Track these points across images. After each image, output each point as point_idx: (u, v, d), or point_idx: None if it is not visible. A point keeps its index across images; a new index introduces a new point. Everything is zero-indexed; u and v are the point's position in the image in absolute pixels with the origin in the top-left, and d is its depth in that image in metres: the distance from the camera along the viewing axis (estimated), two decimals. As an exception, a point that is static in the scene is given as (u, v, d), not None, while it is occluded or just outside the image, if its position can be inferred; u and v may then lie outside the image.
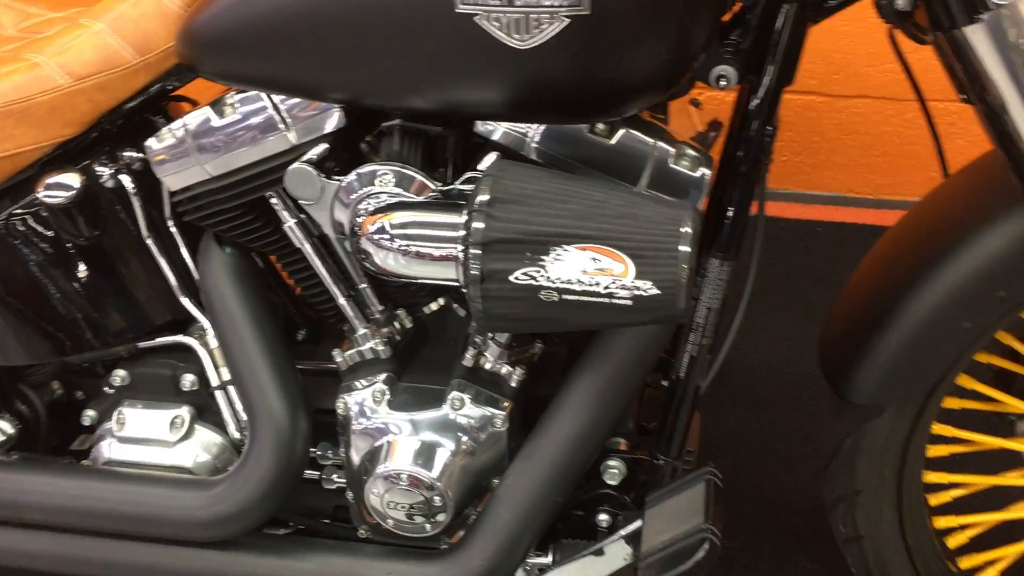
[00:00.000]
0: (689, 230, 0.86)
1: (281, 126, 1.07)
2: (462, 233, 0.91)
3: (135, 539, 1.24)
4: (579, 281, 0.86)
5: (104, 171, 1.18)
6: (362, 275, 1.18)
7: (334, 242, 1.16)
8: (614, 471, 1.22)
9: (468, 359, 1.17)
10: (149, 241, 1.22)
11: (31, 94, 1.11)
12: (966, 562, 1.32)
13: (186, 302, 1.25)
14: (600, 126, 1.00)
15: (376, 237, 0.98)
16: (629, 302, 0.86)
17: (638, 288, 0.85)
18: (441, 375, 1.19)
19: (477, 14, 0.85)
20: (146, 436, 1.27)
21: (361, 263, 1.02)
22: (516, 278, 0.87)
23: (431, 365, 1.22)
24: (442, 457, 1.15)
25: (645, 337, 1.10)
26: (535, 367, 1.19)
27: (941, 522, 1.30)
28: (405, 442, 1.16)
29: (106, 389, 1.33)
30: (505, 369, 1.16)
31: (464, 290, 0.94)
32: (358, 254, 1.01)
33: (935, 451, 1.25)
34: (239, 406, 1.25)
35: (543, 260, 0.86)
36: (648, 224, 0.86)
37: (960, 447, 1.26)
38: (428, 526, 1.17)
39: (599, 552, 1.17)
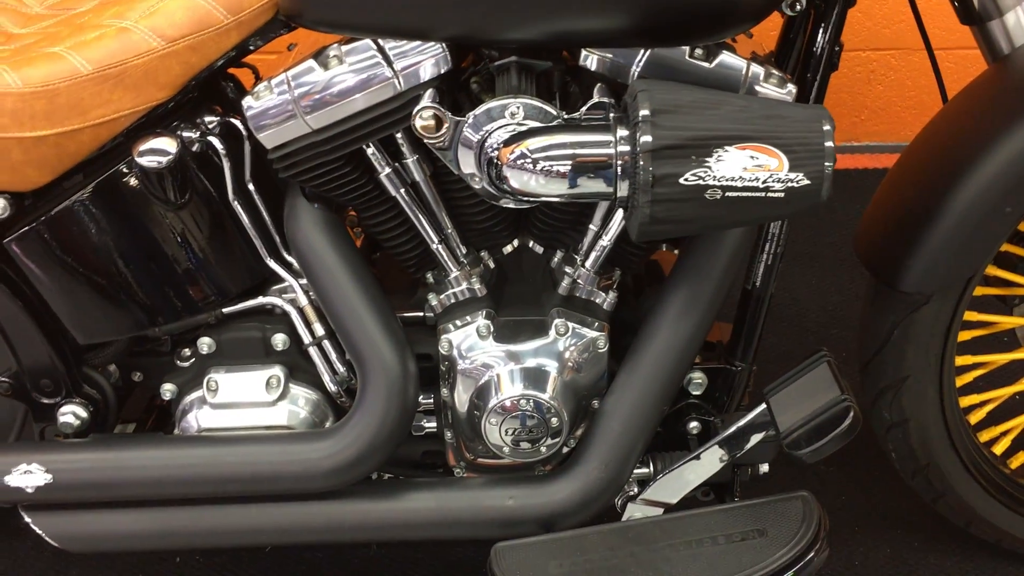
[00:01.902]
0: (830, 127, 0.97)
1: (389, 73, 1.11)
2: (624, 148, 0.99)
3: (240, 501, 1.25)
4: (740, 178, 0.95)
5: (192, 135, 1.18)
6: (448, 220, 1.23)
7: (424, 189, 1.21)
8: (698, 382, 1.31)
9: (563, 288, 1.24)
10: (236, 204, 1.22)
11: (125, 58, 1.10)
12: (985, 435, 1.49)
13: (272, 263, 1.26)
14: (698, 51, 1.09)
15: (519, 162, 1.04)
16: (781, 194, 0.96)
17: (791, 180, 0.95)
18: (533, 308, 1.26)
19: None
20: (242, 399, 1.27)
21: (498, 189, 1.08)
22: (685, 180, 0.95)
23: (519, 300, 1.28)
24: (554, 380, 1.22)
25: (732, 248, 1.20)
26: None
27: (965, 401, 1.46)
28: (518, 371, 1.22)
29: (179, 362, 1.32)
30: (599, 296, 1.24)
31: (620, 202, 1.02)
32: (497, 181, 1.07)
33: (963, 335, 1.41)
34: (335, 359, 1.28)
35: (708, 161, 0.95)
36: (793, 123, 0.96)
37: (982, 331, 1.43)
38: (544, 449, 1.24)
39: (697, 458, 1.26)
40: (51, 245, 1.18)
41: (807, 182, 0.96)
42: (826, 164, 0.97)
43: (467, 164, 1.10)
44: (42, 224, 1.17)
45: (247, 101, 1.15)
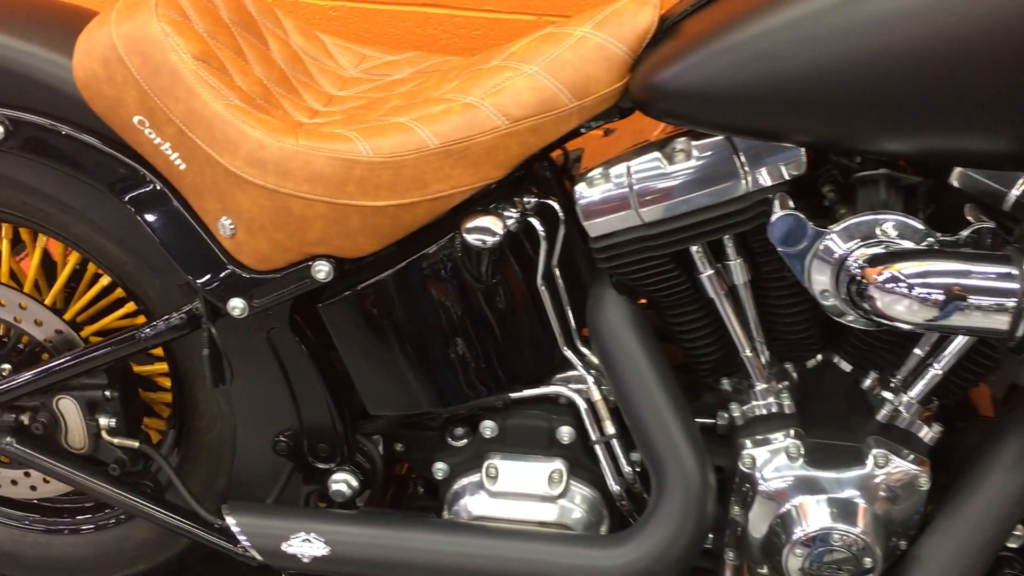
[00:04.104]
0: None
1: (739, 172, 1.05)
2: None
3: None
4: None
5: (513, 215, 1.15)
6: (760, 328, 1.16)
7: (741, 294, 1.14)
8: (1017, 534, 1.19)
9: (883, 416, 1.14)
10: (542, 288, 1.18)
11: (470, 135, 1.08)
12: None
13: (567, 351, 1.22)
14: (1080, 179, 0.99)
15: (889, 286, 0.96)
16: None
17: None
18: (843, 431, 1.17)
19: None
20: (523, 491, 1.22)
21: (854, 308, 1.00)
22: (1110, 331, 0.85)
23: (826, 421, 1.19)
24: (869, 516, 1.12)
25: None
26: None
27: None
28: (830, 501, 1.13)
29: (451, 441, 1.28)
30: (922, 428, 1.14)
31: (1015, 342, 0.92)
32: (856, 299, 0.99)
33: None
34: (622, 459, 1.22)
35: None
36: None
37: None
38: (850, 588, 1.14)
39: (1014, 619, 1.14)
40: (362, 313, 1.16)
41: None
42: None
43: (820, 278, 1.03)
44: (358, 292, 1.15)
45: (580, 188, 1.11)
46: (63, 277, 1.38)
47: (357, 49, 1.39)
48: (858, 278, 0.98)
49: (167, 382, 1.44)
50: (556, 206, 1.17)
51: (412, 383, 1.20)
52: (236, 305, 1.16)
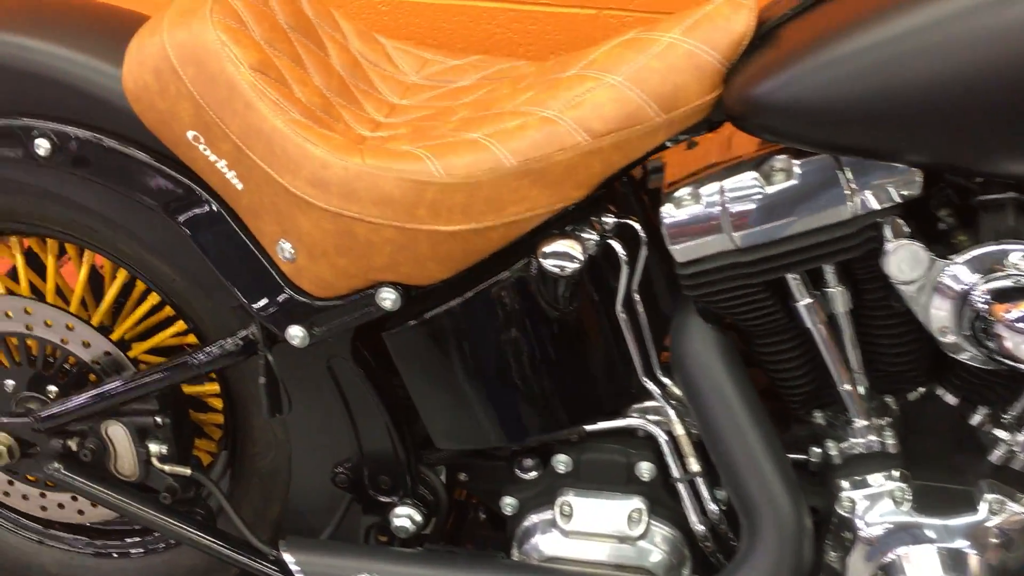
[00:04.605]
0: None
1: (846, 193, 0.96)
2: None
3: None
4: None
5: (591, 237, 1.06)
6: (861, 361, 1.07)
7: (841, 324, 1.05)
8: None
9: (998, 457, 1.05)
10: (622, 316, 1.10)
11: (549, 152, 0.99)
12: None
13: (647, 382, 1.13)
14: None
15: (1020, 325, 0.86)
16: None
17: None
18: (949, 472, 1.08)
19: None
20: (601, 531, 1.14)
21: (978, 346, 0.91)
22: None
23: (931, 460, 1.10)
24: (983, 568, 1.03)
25: None
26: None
27: None
28: (940, 551, 1.04)
29: (519, 473, 1.21)
30: (1043, 470, 1.05)
31: None
32: (982, 336, 0.90)
33: None
34: (707, 498, 1.13)
35: None
36: None
37: None
38: (961, 645, 1.05)
39: None
40: (430, 343, 1.09)
41: None
42: None
43: (939, 314, 0.93)
44: (426, 321, 1.07)
45: (667, 209, 1.02)
46: (110, 296, 1.32)
47: (418, 53, 1.30)
48: (984, 315, 0.89)
49: (218, 403, 1.37)
50: (637, 226, 1.09)
51: (482, 417, 1.12)
52: (296, 334, 1.08)
